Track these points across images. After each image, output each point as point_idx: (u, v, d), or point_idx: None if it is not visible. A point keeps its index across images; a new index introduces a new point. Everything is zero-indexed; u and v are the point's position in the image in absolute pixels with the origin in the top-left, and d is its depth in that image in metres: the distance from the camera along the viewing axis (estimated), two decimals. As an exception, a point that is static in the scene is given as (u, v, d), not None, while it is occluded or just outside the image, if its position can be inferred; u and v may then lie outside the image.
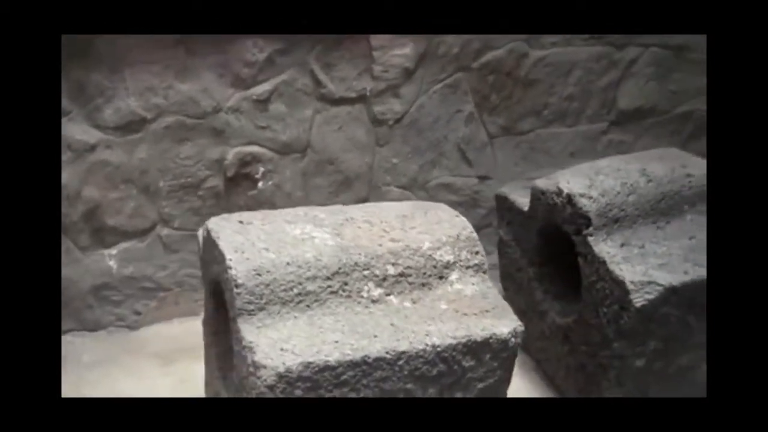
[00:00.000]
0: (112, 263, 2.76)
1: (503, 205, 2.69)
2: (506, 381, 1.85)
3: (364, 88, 2.85)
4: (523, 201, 2.59)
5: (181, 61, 2.63)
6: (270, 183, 2.82)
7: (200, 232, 2.16)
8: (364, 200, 2.96)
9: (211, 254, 1.90)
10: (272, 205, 2.80)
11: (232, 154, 2.74)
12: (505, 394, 1.89)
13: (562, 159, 3.23)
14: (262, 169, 2.79)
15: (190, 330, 2.82)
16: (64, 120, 2.53)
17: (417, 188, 3.07)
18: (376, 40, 2.82)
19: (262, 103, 2.72)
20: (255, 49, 2.67)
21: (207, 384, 2.20)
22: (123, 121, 2.63)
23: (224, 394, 1.96)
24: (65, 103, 2.53)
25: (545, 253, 2.53)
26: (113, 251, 2.76)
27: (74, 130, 2.57)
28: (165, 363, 2.66)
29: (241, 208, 2.77)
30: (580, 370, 2.33)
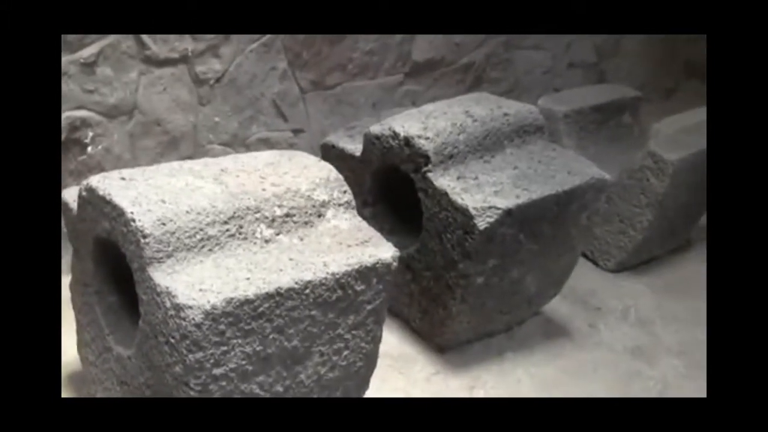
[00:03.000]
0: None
1: (331, 153, 2.88)
2: (387, 301, 2.08)
3: (185, 49, 2.92)
4: (351, 147, 2.80)
5: (1, 26, 2.56)
6: (99, 147, 2.82)
7: (68, 194, 2.17)
8: (190, 159, 3.03)
9: (97, 212, 1.94)
10: (102, 169, 2.81)
11: (61, 119, 2.71)
12: (386, 314, 2.11)
13: (366, 110, 3.48)
14: (91, 134, 2.79)
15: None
16: None
17: (238, 144, 3.20)
18: (193, 1, 2.89)
19: (89, 66, 2.72)
20: (78, 11, 2.66)
21: (83, 346, 2.23)
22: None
23: (120, 349, 2.02)
24: None
25: (378, 193, 2.77)
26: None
27: None
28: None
29: (71, 174, 2.77)
30: (425, 293, 2.60)
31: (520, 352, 2.80)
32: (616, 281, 3.34)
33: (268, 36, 3.10)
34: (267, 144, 3.26)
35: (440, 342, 2.69)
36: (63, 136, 2.73)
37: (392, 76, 3.55)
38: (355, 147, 2.77)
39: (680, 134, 3.37)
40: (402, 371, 2.64)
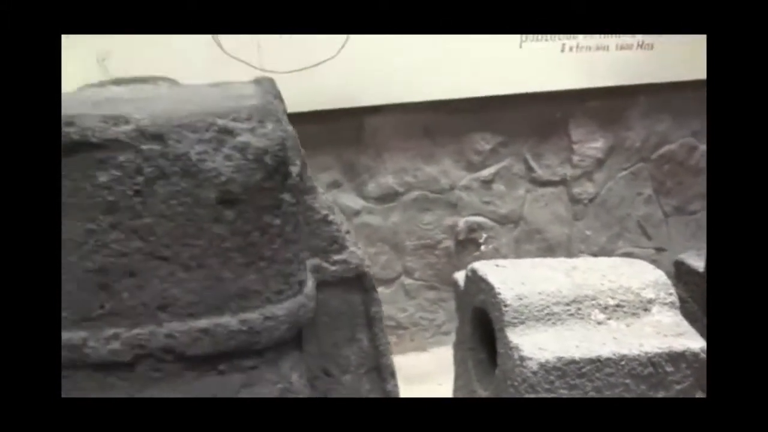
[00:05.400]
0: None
1: (681, 268, 3.33)
2: (697, 387, 2.49)
3: (564, 174, 3.58)
4: (698, 264, 3.24)
5: (427, 149, 3.40)
6: (490, 247, 3.56)
7: (458, 275, 2.92)
8: (561, 263, 3.67)
9: (476, 288, 2.64)
10: (490, 264, 3.54)
11: (462, 222, 3.50)
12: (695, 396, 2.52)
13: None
14: (485, 236, 3.54)
15: (424, 361, 3.56)
16: (336, 191, 3.37)
17: (605, 256, 3.75)
18: (576, 135, 3.55)
19: (487, 183, 3.48)
20: (483, 141, 3.44)
21: (456, 390, 2.93)
22: (382, 193, 3.40)
23: (482, 392, 2.68)
24: (338, 176, 3.33)
25: (717, 306, 3.15)
26: (367, 295, 3.55)
27: (345, 198, 3.36)
28: (408, 384, 3.35)
29: (466, 265, 3.53)
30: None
31: None
32: None
33: (636, 166, 3.65)
34: (631, 258, 3.77)
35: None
36: (462, 236, 3.51)
37: None
38: (699, 264, 3.20)
39: None
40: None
